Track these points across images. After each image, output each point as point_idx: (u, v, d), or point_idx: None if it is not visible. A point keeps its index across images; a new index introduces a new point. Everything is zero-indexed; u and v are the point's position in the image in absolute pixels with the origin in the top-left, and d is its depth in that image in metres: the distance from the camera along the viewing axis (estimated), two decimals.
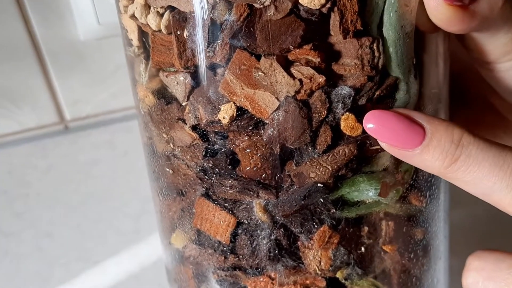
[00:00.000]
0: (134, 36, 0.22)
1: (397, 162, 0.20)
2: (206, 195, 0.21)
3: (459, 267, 0.25)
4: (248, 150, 0.19)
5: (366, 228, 0.21)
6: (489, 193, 0.18)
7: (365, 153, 0.20)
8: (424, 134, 0.18)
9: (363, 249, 0.21)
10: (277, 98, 0.18)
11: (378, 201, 0.21)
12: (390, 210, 0.21)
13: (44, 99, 0.40)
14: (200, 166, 0.21)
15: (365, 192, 0.20)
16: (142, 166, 0.42)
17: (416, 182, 0.21)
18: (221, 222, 0.21)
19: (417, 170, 0.21)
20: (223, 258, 0.22)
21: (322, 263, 0.21)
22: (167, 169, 0.22)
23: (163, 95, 0.21)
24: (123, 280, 0.39)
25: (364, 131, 0.19)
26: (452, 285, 0.28)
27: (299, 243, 0.21)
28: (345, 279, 0.21)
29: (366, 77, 0.18)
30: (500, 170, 0.18)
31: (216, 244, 0.22)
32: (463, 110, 0.32)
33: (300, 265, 0.21)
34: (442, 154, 0.18)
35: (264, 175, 0.20)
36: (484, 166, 0.18)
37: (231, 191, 0.20)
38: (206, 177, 0.21)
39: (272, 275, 0.21)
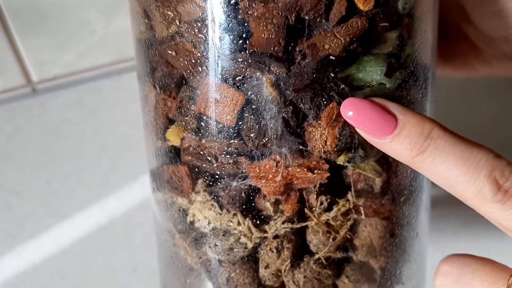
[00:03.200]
0: None
1: (402, 44, 0.21)
2: (213, 74, 0.21)
3: None
4: (262, 19, 0.19)
5: None
6: (453, 185, 0.19)
7: (374, 29, 0.20)
8: (396, 124, 0.20)
9: None
10: None
11: (381, 84, 0.21)
12: (391, 97, 0.22)
13: (9, 62, 0.39)
14: (208, 40, 0.20)
15: (371, 73, 0.21)
16: (112, 125, 0.42)
17: (416, 69, 0.22)
18: (229, 101, 0.21)
19: (417, 57, 0.22)
20: (226, 142, 0.21)
21: (328, 143, 0.21)
22: (170, 52, 0.21)
23: None
24: (92, 232, 0.39)
25: (375, 5, 0.19)
26: None
27: (305, 124, 0.21)
28: (348, 162, 0.22)
29: None
30: (464, 165, 0.19)
31: (220, 127, 0.21)
32: (441, 41, 0.34)
33: (305, 149, 0.21)
34: (410, 144, 0.19)
35: (276, 47, 0.20)
36: (449, 159, 0.19)
37: (241, 66, 0.20)
38: (216, 52, 0.20)
39: (278, 157, 0.21)
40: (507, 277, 0.18)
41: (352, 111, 0.20)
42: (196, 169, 0.23)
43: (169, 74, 0.22)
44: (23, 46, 0.39)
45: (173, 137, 0.23)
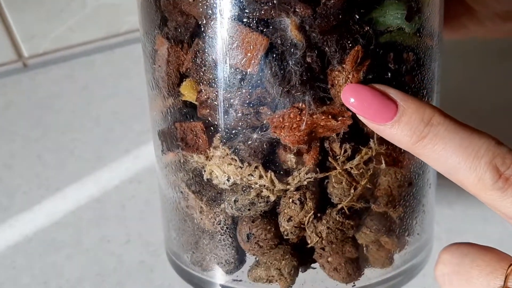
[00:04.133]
0: None
1: None
2: (235, 18, 0.20)
3: None
4: None
5: (391, 55, 0.21)
6: (453, 172, 0.19)
7: None
8: (396, 111, 0.19)
9: (389, 74, 0.21)
10: None
11: (401, 29, 0.21)
12: (410, 42, 0.22)
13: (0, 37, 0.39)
14: None
15: (392, 17, 0.21)
16: (103, 99, 0.41)
17: (431, 16, 0.22)
18: (251, 47, 0.20)
19: (432, 3, 0.22)
20: (248, 91, 0.21)
21: None
22: None
23: None
24: (85, 204, 0.38)
25: None
26: None
27: (329, 71, 0.21)
28: None
29: None
30: (464, 152, 0.19)
31: (241, 76, 0.21)
32: None
33: (328, 96, 0.21)
34: (410, 131, 0.19)
35: None
36: (449, 146, 0.19)
37: (265, 8, 0.19)
38: None
39: (301, 105, 0.21)
40: (505, 267, 0.18)
41: (353, 98, 0.20)
42: (215, 123, 0.22)
43: (184, 23, 0.22)
44: (13, 21, 0.38)
45: (188, 91, 0.23)
